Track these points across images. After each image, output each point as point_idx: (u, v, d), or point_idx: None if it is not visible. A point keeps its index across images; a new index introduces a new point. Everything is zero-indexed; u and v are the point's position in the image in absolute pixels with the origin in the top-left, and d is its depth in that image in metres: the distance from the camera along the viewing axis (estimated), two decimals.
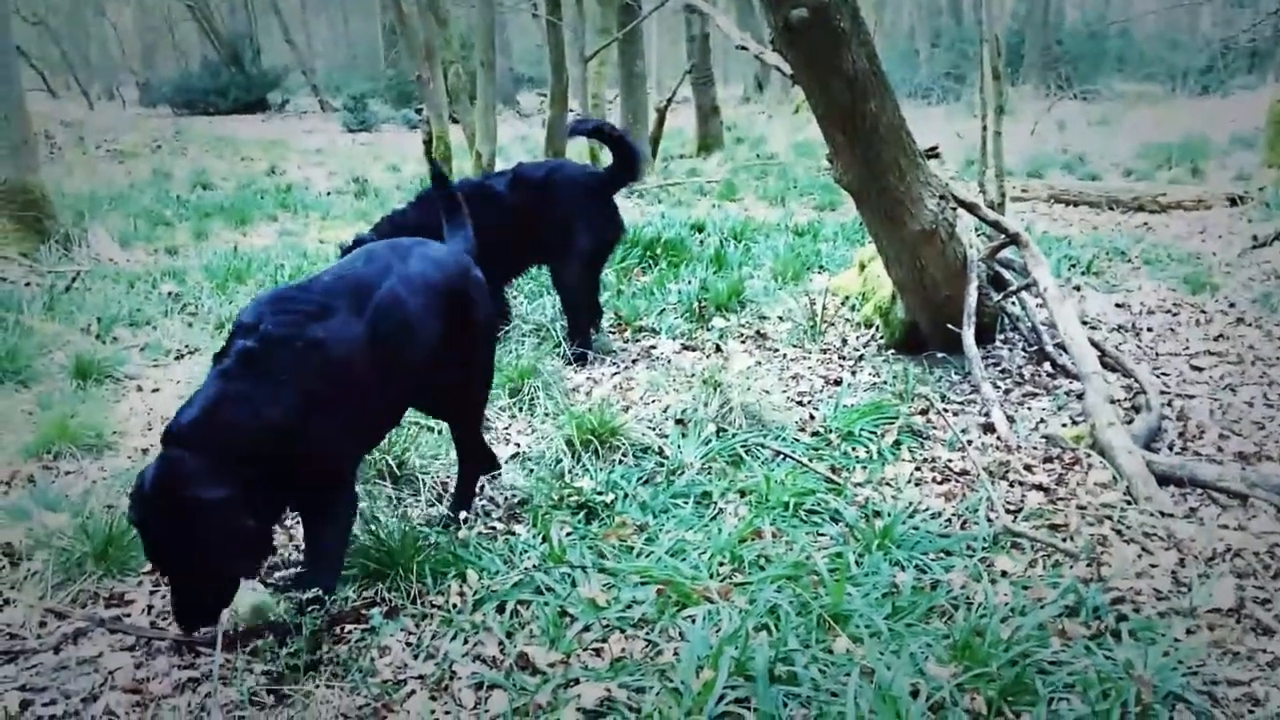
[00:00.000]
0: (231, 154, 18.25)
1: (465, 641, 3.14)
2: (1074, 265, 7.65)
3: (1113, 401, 4.67)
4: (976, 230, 5.66)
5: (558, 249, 5.81)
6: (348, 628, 3.18)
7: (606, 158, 6.43)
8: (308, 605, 2.95)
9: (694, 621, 3.15)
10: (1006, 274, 5.86)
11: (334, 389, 3.05)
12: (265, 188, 13.91)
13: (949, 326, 5.25)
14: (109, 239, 8.89)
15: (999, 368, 5.46)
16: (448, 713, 2.82)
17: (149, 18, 40.75)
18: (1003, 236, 5.54)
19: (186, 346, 6.12)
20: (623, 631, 3.18)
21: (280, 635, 2.94)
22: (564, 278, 5.89)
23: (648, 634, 3.16)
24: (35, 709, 2.85)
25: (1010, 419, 4.72)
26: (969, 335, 5.11)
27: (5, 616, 3.30)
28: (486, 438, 4.64)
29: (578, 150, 13.48)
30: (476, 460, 4.03)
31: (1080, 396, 4.82)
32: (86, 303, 6.81)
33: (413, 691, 2.91)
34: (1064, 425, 4.70)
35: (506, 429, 4.80)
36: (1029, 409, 4.96)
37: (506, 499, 4.12)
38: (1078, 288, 7.05)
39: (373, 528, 3.60)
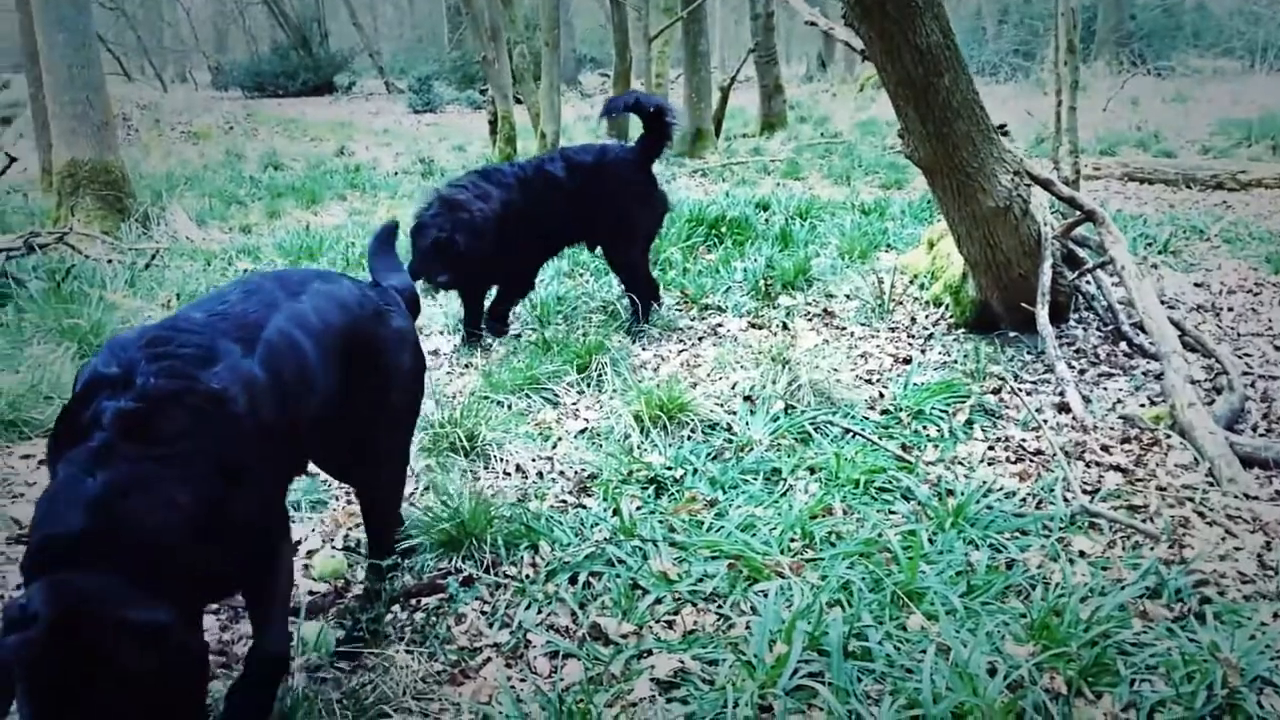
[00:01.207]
0: (301, 135, 18.52)
1: (539, 611, 3.17)
2: (1150, 244, 7.48)
3: (1193, 382, 4.57)
4: (1051, 208, 5.56)
5: (613, 230, 5.85)
6: (424, 600, 3.23)
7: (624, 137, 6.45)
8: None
9: (766, 596, 3.15)
10: (1081, 252, 5.76)
11: (249, 449, 2.38)
12: (334, 168, 14.10)
13: (1022, 305, 5.17)
14: (186, 218, 9.08)
15: (1073, 347, 5.37)
16: (523, 679, 2.86)
17: (220, 3, 41.42)
18: (1078, 213, 5.43)
19: None
20: (694, 605, 3.19)
21: (361, 600, 2.98)
22: (625, 259, 5.94)
23: (719, 608, 3.17)
24: None
25: (1086, 399, 4.64)
26: (1043, 314, 5.02)
27: None
28: (553, 414, 4.69)
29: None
30: (381, 545, 3.26)
31: (1158, 377, 4.72)
32: (166, 279, 6.97)
33: (488, 659, 2.95)
34: (1142, 406, 4.61)
35: (575, 404, 4.82)
36: (1105, 389, 4.87)
37: (576, 473, 4.14)
38: (1154, 266, 6.90)
39: (445, 500, 3.65)
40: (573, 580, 3.34)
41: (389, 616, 3.08)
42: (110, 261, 7.37)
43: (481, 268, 5.66)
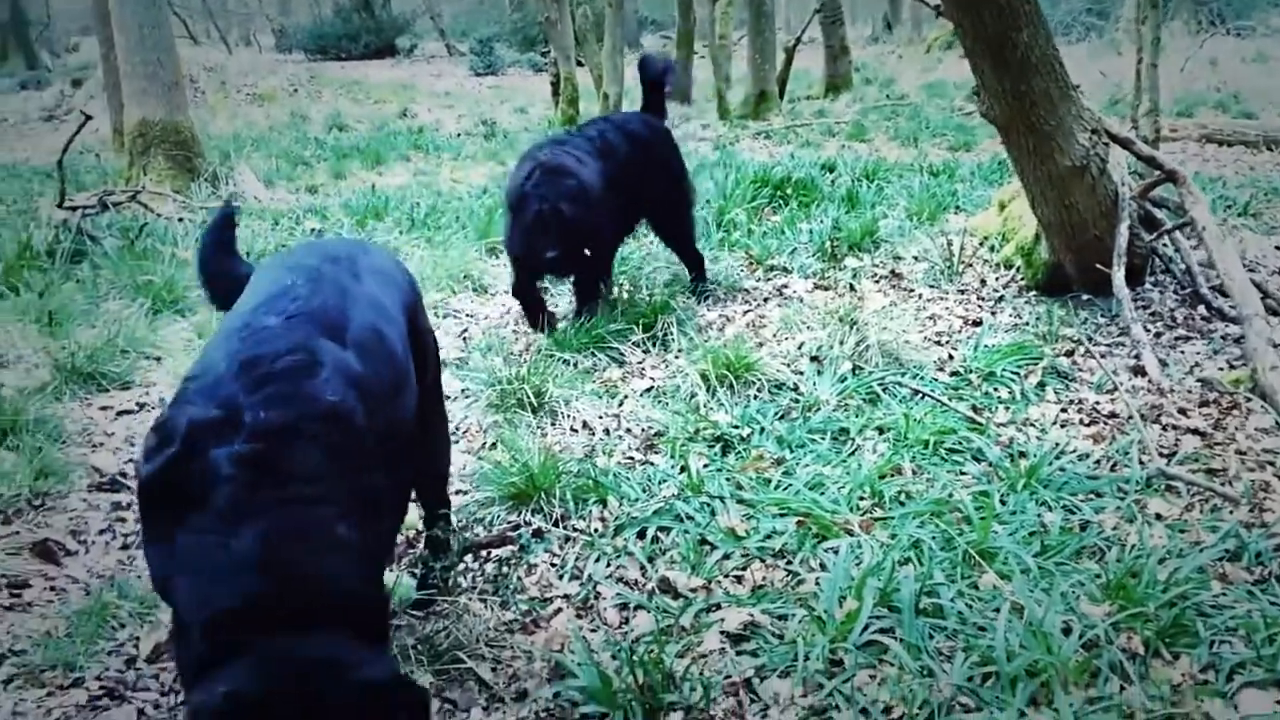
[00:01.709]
0: (364, 97, 18.65)
1: (608, 564, 3.20)
2: (1230, 206, 7.28)
3: (1276, 345, 4.45)
4: (1128, 168, 5.44)
5: (671, 200, 5.71)
6: (495, 551, 3.27)
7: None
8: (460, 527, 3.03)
9: (835, 553, 3.15)
10: (1159, 213, 5.62)
11: (377, 461, 2.15)
12: (398, 130, 14.20)
13: (1097, 267, 5.06)
14: (253, 178, 9.20)
15: (1149, 310, 5.25)
16: (594, 630, 2.88)
17: None
18: (1157, 173, 5.30)
19: None
20: (763, 560, 3.20)
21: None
22: (680, 227, 5.80)
23: (788, 564, 3.17)
24: None
25: (1162, 362, 4.55)
26: (1119, 276, 4.92)
27: None
28: (619, 373, 4.70)
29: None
30: (441, 499, 3.10)
31: (1238, 340, 4.61)
32: (236, 237, 7.05)
33: (559, 609, 2.99)
34: (1220, 369, 4.51)
35: (640, 363, 4.83)
36: (1182, 352, 4.77)
37: (643, 430, 4.15)
38: (1235, 229, 6.72)
39: (514, 455, 3.68)
40: (641, 535, 3.36)
41: (461, 567, 3.12)
42: (181, 220, 7.49)
43: (590, 243, 5.09)
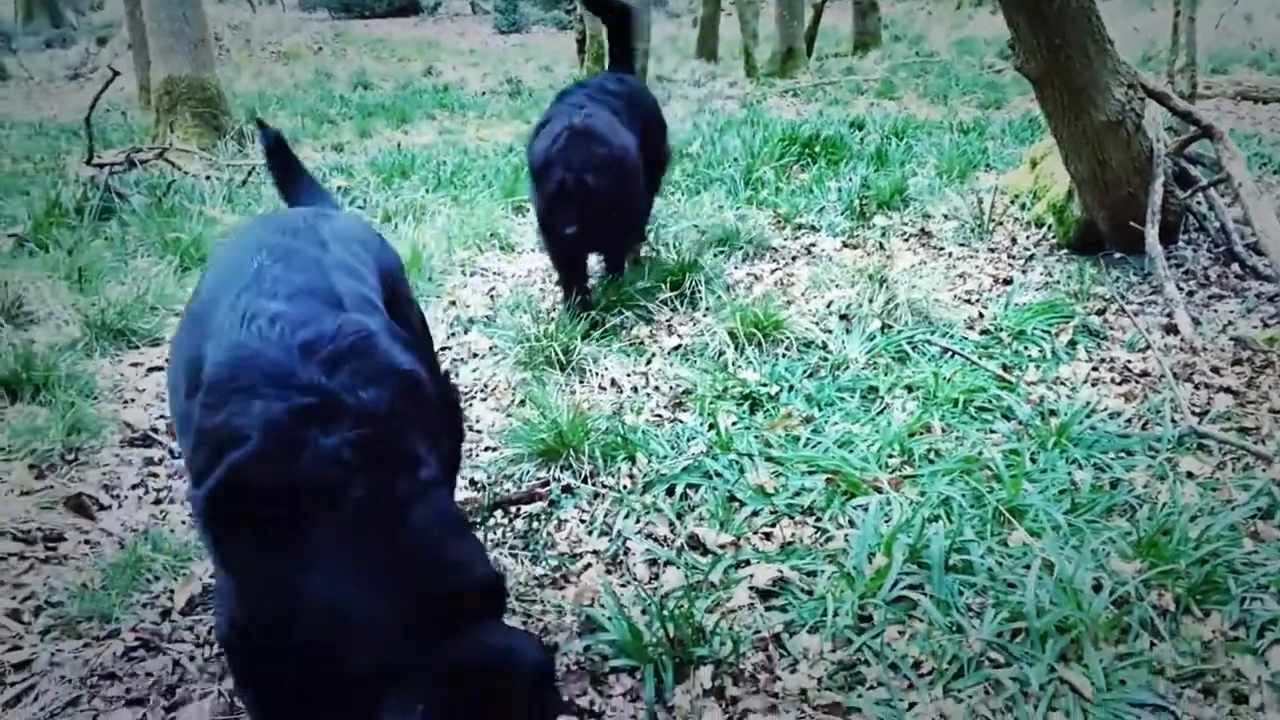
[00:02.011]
0: (388, 55, 18.58)
1: (637, 520, 3.21)
2: (1265, 163, 7.17)
3: None
4: (1164, 126, 5.35)
5: (659, 162, 5.44)
6: (524, 508, 3.29)
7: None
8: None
9: (864, 510, 3.14)
10: (1194, 170, 5.53)
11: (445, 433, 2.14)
12: (423, 88, 14.16)
13: (1130, 225, 5.00)
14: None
15: (1182, 269, 5.19)
16: (624, 585, 2.90)
17: None
18: (1193, 129, 5.21)
19: None
20: (791, 518, 3.20)
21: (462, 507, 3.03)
22: (653, 196, 5.53)
23: (817, 521, 3.17)
24: None
25: (1195, 320, 4.50)
26: (1152, 233, 4.85)
27: None
28: (646, 331, 4.69)
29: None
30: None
31: (1273, 299, 4.56)
32: (263, 196, 7.08)
33: (589, 564, 3.00)
34: (1254, 328, 4.46)
35: (668, 321, 4.82)
36: (1215, 311, 4.71)
37: (671, 388, 4.15)
38: (1270, 186, 6.62)
39: (543, 411, 3.69)
40: (670, 492, 3.36)
41: (491, 522, 3.14)
42: (208, 178, 7.51)
43: (619, 216, 4.69)
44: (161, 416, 3.97)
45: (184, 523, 3.28)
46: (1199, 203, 5.53)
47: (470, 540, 1.86)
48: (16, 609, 2.82)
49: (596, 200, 4.40)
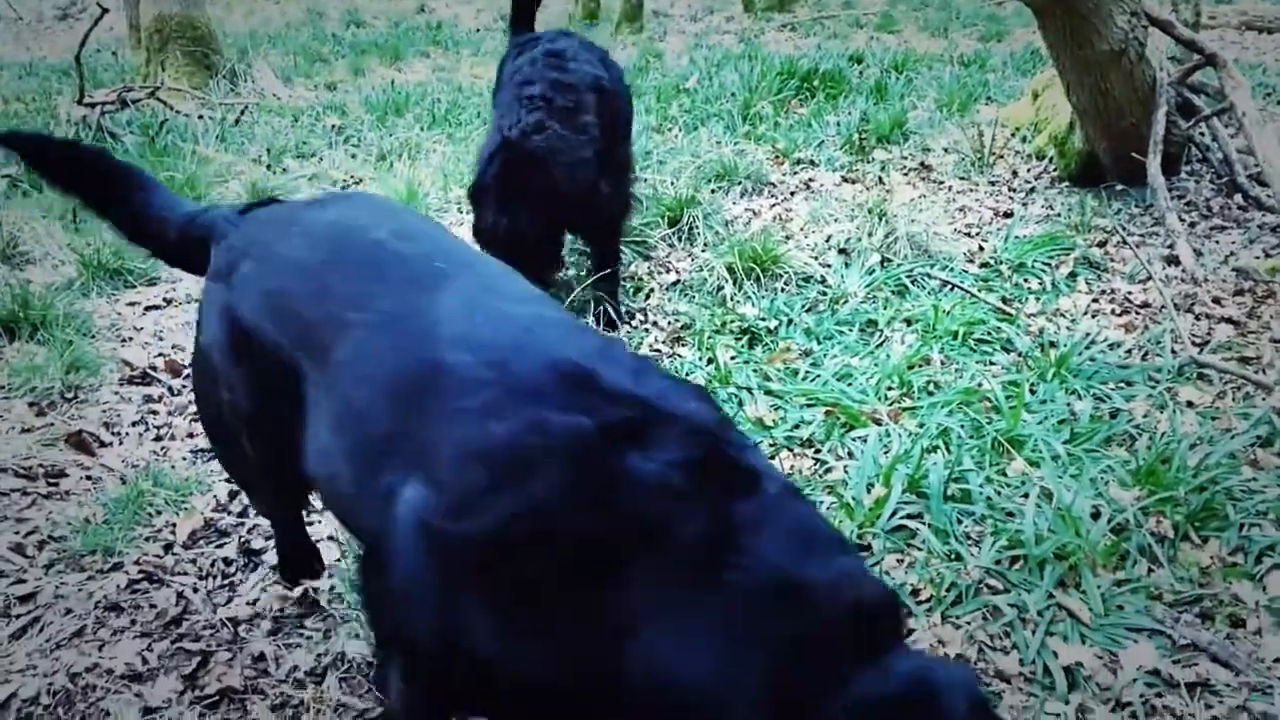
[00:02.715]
0: None
1: None
2: (1269, 94, 7.10)
3: None
4: (1167, 55, 5.28)
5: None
6: None
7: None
8: None
9: (863, 442, 3.15)
10: (1197, 100, 5.47)
11: None
12: (416, 25, 13.94)
13: (1132, 156, 4.95)
14: (271, 75, 9.07)
15: (1184, 200, 5.16)
16: None
17: None
18: (1197, 58, 5.15)
19: (352, 177, 6.25)
20: (790, 450, 3.20)
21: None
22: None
23: (816, 453, 3.18)
24: (241, 498, 3.05)
25: (1197, 252, 4.48)
26: (1154, 164, 4.81)
27: None
28: (645, 267, 4.66)
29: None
30: None
31: (1275, 229, 4.54)
32: (256, 135, 7.00)
33: None
34: (1256, 259, 4.44)
35: (666, 257, 4.79)
36: (1217, 242, 4.69)
37: (670, 323, 4.14)
38: (1274, 117, 6.55)
39: None
40: None
41: None
42: (201, 117, 7.42)
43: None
44: (160, 355, 3.96)
45: (184, 459, 3.28)
46: (1202, 133, 5.48)
47: (846, 555, 1.44)
48: (20, 543, 2.84)
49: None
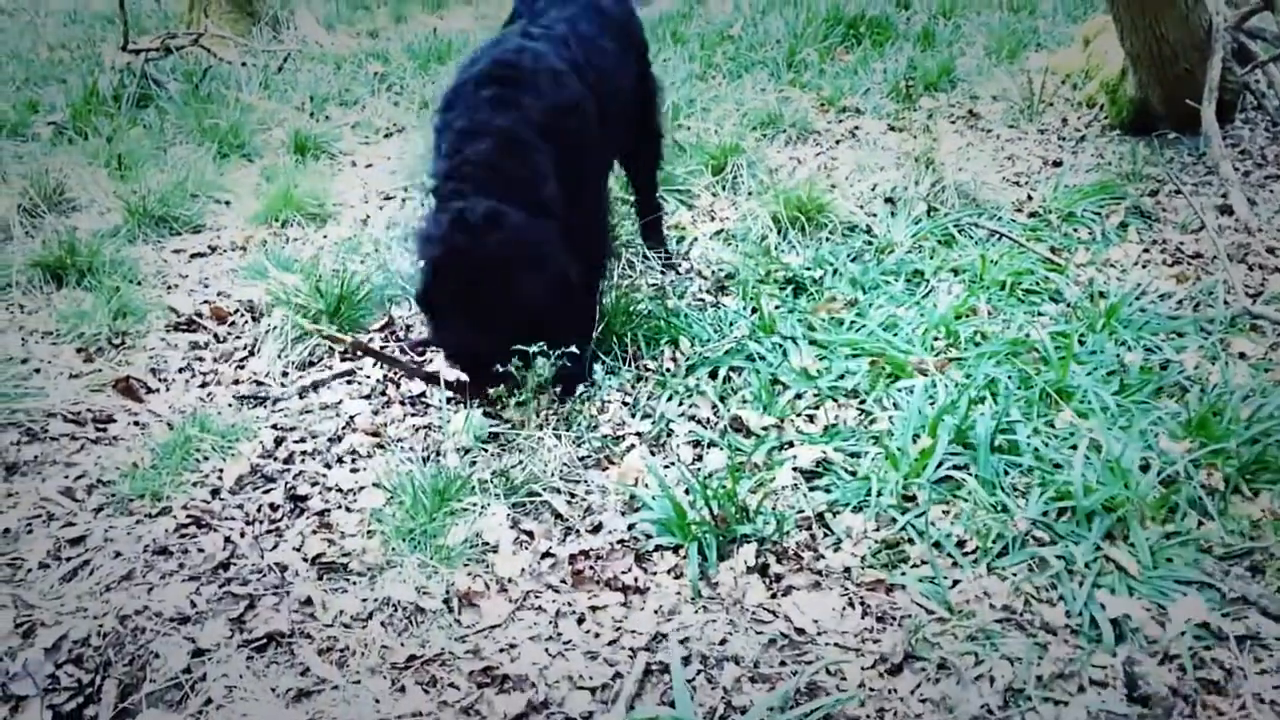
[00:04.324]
0: None
1: (680, 403, 3.21)
2: None
3: None
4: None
5: None
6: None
7: None
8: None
9: (909, 393, 3.12)
10: (1254, 45, 5.31)
11: None
12: None
13: (1186, 103, 4.82)
14: (313, 22, 9.04)
15: (1238, 148, 5.04)
16: (667, 466, 2.91)
17: None
18: (1255, 1, 4.99)
19: (394, 124, 6.23)
20: (835, 400, 3.18)
21: (510, 385, 2.99)
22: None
23: (861, 403, 3.16)
24: (288, 445, 3.08)
25: (1251, 201, 4.38)
26: (1209, 111, 4.67)
27: (252, 366, 3.55)
28: (688, 216, 4.62)
29: None
30: None
31: None
32: (298, 82, 6.99)
33: (632, 445, 3.01)
34: None
35: (710, 206, 4.75)
36: (1271, 191, 4.59)
37: (714, 272, 4.11)
38: None
39: None
40: (713, 375, 3.35)
41: (534, 404, 3.14)
42: (244, 64, 7.41)
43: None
44: (205, 301, 3.99)
45: (230, 405, 3.32)
46: (1257, 80, 5.32)
47: None
48: (70, 487, 2.88)
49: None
